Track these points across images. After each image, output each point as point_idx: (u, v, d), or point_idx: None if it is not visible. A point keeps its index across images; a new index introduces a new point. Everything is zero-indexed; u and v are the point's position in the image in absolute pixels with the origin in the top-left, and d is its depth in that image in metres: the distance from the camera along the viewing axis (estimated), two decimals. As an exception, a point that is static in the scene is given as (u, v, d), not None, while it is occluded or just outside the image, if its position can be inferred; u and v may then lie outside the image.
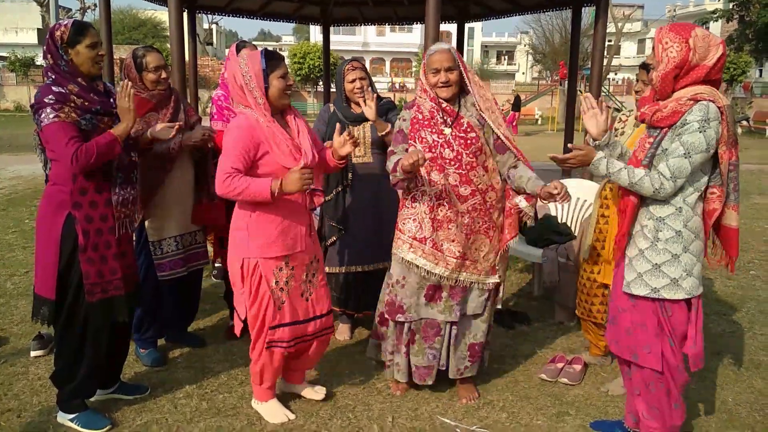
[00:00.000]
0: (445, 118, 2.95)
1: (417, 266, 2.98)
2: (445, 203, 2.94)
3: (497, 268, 3.05)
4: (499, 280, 3.07)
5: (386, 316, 3.15)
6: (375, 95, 3.72)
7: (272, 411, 3.00)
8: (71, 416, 2.89)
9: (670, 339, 2.52)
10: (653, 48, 2.46)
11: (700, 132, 2.31)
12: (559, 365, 3.52)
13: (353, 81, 3.63)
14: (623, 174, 2.46)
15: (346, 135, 2.88)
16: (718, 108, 2.34)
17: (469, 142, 2.91)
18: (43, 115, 2.60)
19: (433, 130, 2.94)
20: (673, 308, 2.50)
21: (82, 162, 2.60)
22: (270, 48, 3.15)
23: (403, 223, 3.04)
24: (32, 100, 2.69)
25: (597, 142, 2.64)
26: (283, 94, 2.75)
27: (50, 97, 2.61)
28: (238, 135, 2.66)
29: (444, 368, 3.17)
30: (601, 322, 3.45)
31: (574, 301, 4.07)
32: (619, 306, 2.65)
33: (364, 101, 3.59)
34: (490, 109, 2.97)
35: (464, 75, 2.95)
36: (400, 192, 3.10)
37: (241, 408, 3.09)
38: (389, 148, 3.13)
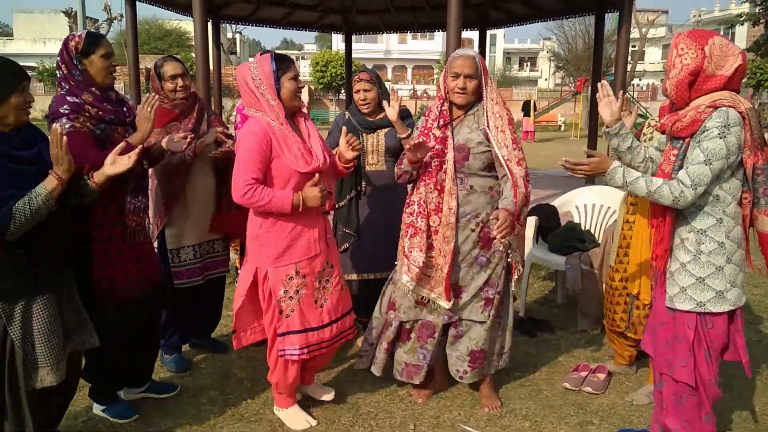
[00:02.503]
0: (440, 121, 2.96)
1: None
2: (420, 214, 2.97)
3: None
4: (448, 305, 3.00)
5: (382, 311, 3.20)
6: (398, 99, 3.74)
7: (294, 417, 3.01)
8: (103, 407, 3.03)
9: (706, 353, 2.45)
10: (669, 54, 2.43)
11: (720, 138, 2.26)
12: (583, 374, 3.48)
13: (357, 92, 3.68)
14: (641, 183, 2.39)
15: (351, 139, 2.95)
16: (740, 113, 2.29)
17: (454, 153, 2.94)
18: (58, 125, 2.60)
19: (429, 140, 2.97)
20: (714, 321, 2.43)
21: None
22: (292, 56, 3.18)
23: (401, 226, 3.15)
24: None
25: (609, 129, 2.65)
26: (295, 95, 2.77)
27: (65, 107, 2.67)
28: (252, 141, 2.67)
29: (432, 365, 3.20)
30: (623, 331, 3.41)
31: (597, 308, 4.04)
32: (660, 319, 2.59)
33: (371, 113, 3.70)
34: (499, 128, 2.90)
35: (483, 86, 2.94)
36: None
37: (264, 414, 3.10)
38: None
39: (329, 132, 3.88)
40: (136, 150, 2.52)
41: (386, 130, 3.66)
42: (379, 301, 3.26)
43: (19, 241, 2.21)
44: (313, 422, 3.01)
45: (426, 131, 3.00)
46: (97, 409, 3.06)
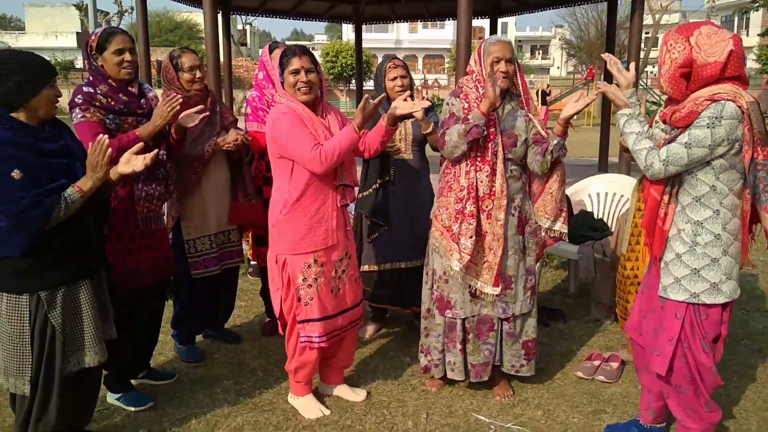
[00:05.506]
0: None
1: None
2: (471, 198, 2.94)
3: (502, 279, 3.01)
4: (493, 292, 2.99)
5: (436, 311, 3.12)
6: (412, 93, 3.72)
7: (308, 406, 3.04)
8: (117, 395, 3.09)
9: (702, 342, 2.46)
10: (659, 51, 2.43)
11: (708, 127, 2.26)
12: (596, 363, 3.48)
13: (394, 79, 3.64)
14: (631, 137, 2.49)
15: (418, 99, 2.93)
16: (739, 107, 2.26)
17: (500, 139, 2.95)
18: (73, 114, 2.79)
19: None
20: (708, 312, 2.44)
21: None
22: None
23: (439, 211, 3.09)
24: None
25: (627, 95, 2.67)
26: (296, 89, 2.79)
27: (79, 97, 2.80)
28: (288, 120, 2.73)
29: (498, 363, 3.13)
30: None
31: (610, 297, 4.02)
32: (651, 306, 2.60)
33: (412, 98, 3.62)
34: (537, 116, 3.02)
35: (517, 73, 2.98)
36: (442, 180, 3.09)
37: (277, 403, 3.13)
38: (441, 130, 3.04)
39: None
40: (151, 154, 2.45)
41: (414, 119, 3.64)
42: (424, 307, 3.23)
43: (58, 230, 2.27)
44: (327, 411, 3.03)
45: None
46: (112, 398, 3.10)
